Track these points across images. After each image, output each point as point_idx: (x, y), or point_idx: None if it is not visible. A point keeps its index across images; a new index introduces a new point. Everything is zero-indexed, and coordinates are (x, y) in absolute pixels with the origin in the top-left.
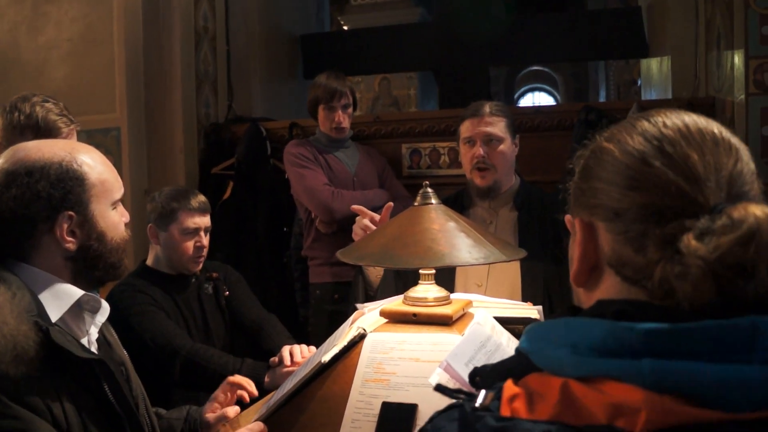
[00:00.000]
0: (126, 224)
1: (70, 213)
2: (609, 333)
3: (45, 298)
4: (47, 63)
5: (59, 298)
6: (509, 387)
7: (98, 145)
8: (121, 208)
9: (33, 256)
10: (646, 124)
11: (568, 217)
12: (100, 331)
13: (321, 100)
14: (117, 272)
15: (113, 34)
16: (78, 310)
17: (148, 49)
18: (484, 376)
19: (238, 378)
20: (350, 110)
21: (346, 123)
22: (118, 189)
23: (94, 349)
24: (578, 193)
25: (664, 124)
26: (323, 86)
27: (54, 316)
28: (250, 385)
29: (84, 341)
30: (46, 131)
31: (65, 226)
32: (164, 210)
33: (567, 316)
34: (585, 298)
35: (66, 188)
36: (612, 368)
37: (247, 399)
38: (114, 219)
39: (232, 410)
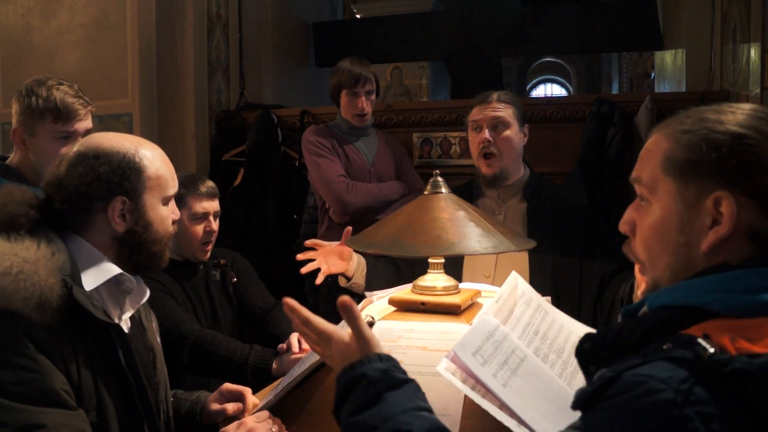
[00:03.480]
0: (174, 222)
1: (124, 198)
2: None
3: (85, 268)
4: (60, 48)
5: (98, 271)
6: (716, 333)
7: (110, 130)
8: (172, 204)
9: (86, 229)
10: (759, 113)
11: (651, 181)
12: (138, 316)
13: (344, 86)
14: (158, 263)
15: (126, 19)
16: (115, 288)
17: (160, 35)
18: (606, 340)
19: (240, 389)
20: (373, 97)
21: (368, 109)
22: (172, 186)
23: (125, 328)
24: (718, 168)
25: None
26: (347, 71)
27: (89, 285)
28: (247, 394)
29: (114, 315)
30: (65, 114)
31: (117, 208)
32: None
33: (722, 272)
34: (704, 261)
35: (124, 175)
36: None
37: (230, 412)
38: (163, 213)
39: (233, 406)
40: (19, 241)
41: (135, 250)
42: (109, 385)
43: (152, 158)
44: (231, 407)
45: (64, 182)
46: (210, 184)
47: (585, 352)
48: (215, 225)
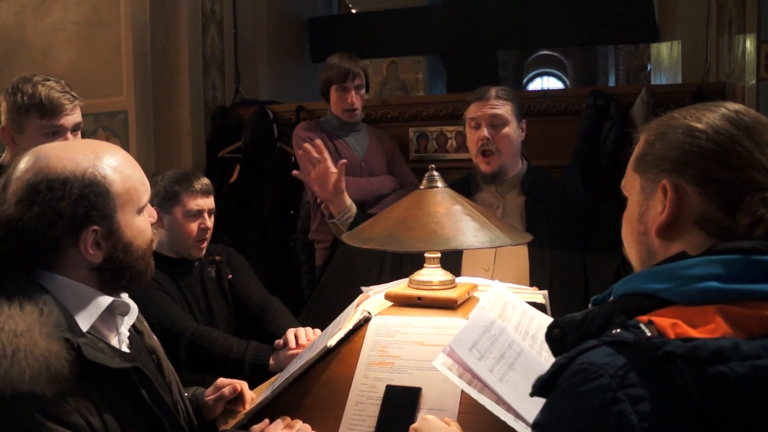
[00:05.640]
0: (153, 223)
1: (95, 227)
2: (751, 265)
3: (74, 308)
4: (53, 46)
5: (89, 308)
6: (660, 319)
7: (105, 129)
8: (147, 209)
9: (59, 267)
10: (727, 113)
11: (627, 181)
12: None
13: (334, 81)
14: (144, 278)
15: (120, 16)
16: (107, 313)
17: (155, 32)
18: (571, 327)
19: (233, 382)
20: (363, 92)
21: (358, 104)
22: (144, 193)
23: (125, 347)
24: (667, 160)
25: (743, 116)
26: (336, 67)
27: (84, 325)
28: (243, 387)
29: (114, 341)
30: (51, 110)
31: (89, 240)
32: (167, 193)
33: (679, 260)
34: (661, 247)
35: (89, 204)
36: (758, 291)
37: (227, 394)
38: (140, 225)
39: (228, 389)
40: None
41: (118, 275)
42: (137, 426)
43: (116, 169)
44: (227, 390)
45: (19, 224)
46: (204, 180)
47: (555, 339)
48: (210, 222)
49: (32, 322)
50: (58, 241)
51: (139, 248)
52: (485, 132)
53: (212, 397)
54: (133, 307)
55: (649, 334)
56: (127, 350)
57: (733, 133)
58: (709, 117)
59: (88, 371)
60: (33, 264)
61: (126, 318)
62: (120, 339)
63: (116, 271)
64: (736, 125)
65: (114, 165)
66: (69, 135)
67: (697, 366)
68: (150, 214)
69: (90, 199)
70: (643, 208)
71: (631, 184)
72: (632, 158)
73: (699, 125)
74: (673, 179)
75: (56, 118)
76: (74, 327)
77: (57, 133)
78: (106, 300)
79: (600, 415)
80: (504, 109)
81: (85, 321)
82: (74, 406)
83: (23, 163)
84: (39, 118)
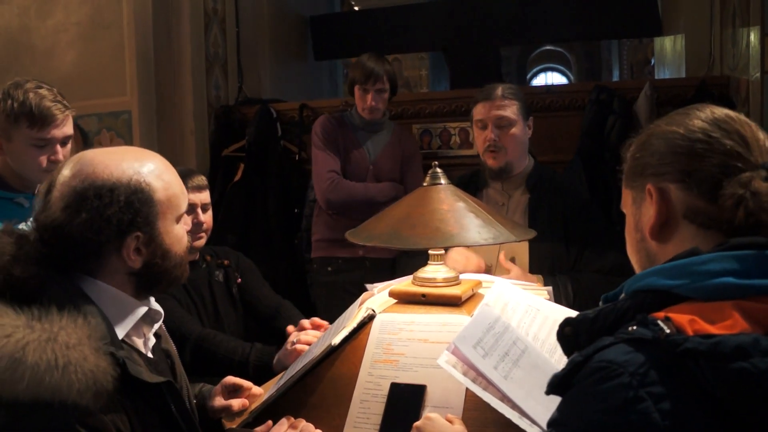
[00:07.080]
0: (188, 231)
1: (138, 233)
2: (765, 260)
3: (113, 316)
4: (56, 47)
5: (124, 315)
6: (677, 316)
7: (109, 129)
8: (184, 217)
9: (98, 272)
10: (699, 113)
11: (623, 199)
12: None
13: (357, 81)
14: (178, 283)
15: (122, 17)
16: (140, 321)
17: (157, 32)
18: (584, 325)
19: (243, 382)
20: (386, 95)
21: (378, 106)
22: (183, 201)
23: (149, 353)
24: (649, 166)
25: (713, 112)
26: (361, 67)
27: (121, 333)
28: (253, 389)
29: (141, 346)
30: (41, 118)
31: (132, 245)
32: None
33: (692, 256)
34: (658, 249)
35: (134, 210)
36: None
37: (235, 409)
38: (179, 233)
39: (238, 403)
40: (47, 317)
41: (155, 281)
42: None
43: (158, 176)
44: (236, 404)
45: (66, 230)
46: (197, 177)
47: (566, 337)
48: (204, 217)
49: (83, 336)
50: (101, 247)
51: (176, 255)
52: (492, 134)
53: (221, 404)
54: (162, 313)
55: (668, 331)
56: (151, 355)
57: (705, 127)
58: (683, 119)
59: (127, 386)
60: (74, 268)
61: (154, 325)
62: (146, 345)
63: (153, 276)
64: (706, 121)
65: (157, 173)
66: (58, 148)
67: (719, 362)
68: (186, 224)
69: (135, 206)
70: (637, 217)
71: (625, 199)
72: (623, 177)
73: (674, 128)
74: (656, 182)
75: (45, 130)
76: (114, 338)
77: (46, 146)
78: (142, 309)
79: (622, 413)
80: (510, 109)
81: (122, 329)
82: (111, 420)
83: (68, 169)
84: (28, 127)
